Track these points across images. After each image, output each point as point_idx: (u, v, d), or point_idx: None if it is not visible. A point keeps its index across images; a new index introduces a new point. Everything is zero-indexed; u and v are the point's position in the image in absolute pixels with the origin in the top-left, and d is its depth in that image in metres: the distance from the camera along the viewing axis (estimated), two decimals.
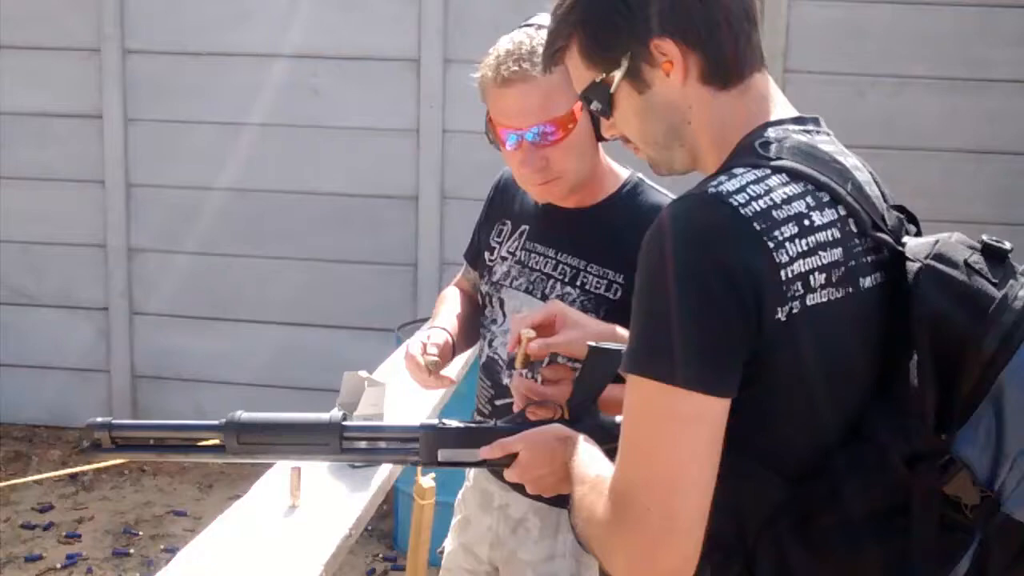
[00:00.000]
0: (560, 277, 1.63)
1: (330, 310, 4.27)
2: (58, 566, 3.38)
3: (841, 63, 3.91)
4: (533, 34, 1.54)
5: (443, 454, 1.26)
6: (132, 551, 3.49)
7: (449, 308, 1.82)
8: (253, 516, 1.66)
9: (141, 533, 3.63)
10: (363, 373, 2.03)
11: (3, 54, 4.32)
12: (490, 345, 1.75)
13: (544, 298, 1.63)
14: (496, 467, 1.27)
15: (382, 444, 1.28)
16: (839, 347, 1.01)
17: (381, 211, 4.19)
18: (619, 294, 1.57)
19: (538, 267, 1.67)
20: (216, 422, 1.24)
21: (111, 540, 3.58)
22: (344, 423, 1.25)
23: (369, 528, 3.66)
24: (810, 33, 3.90)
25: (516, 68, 1.51)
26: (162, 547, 3.45)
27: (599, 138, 1.59)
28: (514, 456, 1.24)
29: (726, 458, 0.97)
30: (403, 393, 2.36)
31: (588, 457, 1.14)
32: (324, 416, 1.25)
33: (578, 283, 1.61)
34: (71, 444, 4.37)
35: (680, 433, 0.95)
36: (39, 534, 3.60)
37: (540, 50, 1.47)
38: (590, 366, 1.26)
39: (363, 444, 1.27)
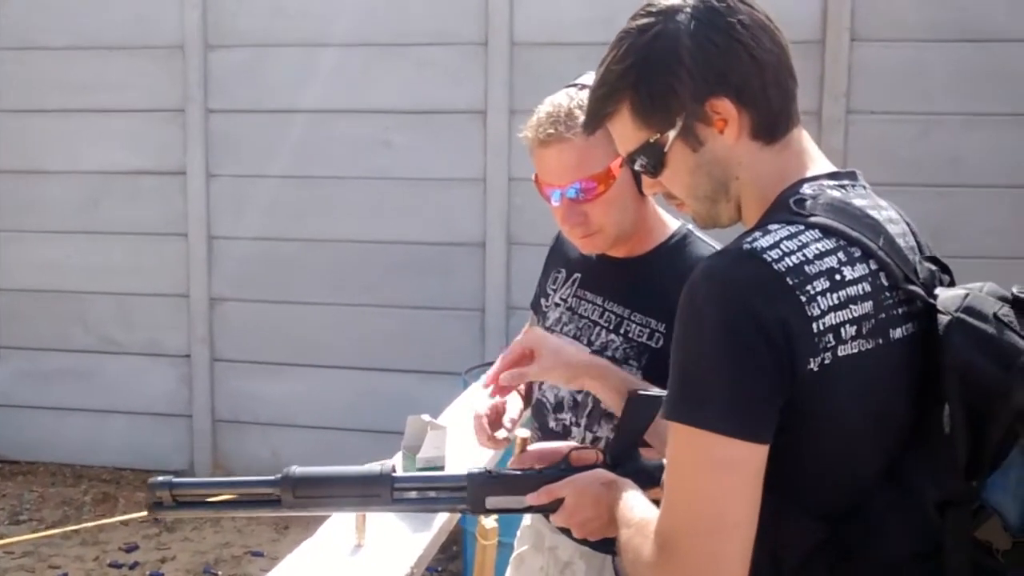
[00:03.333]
0: (605, 324, 1.68)
1: (401, 355, 4.37)
2: None
3: (905, 102, 3.90)
4: (574, 95, 1.60)
5: (491, 501, 1.32)
6: None
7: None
8: (321, 555, 1.74)
9: (220, 573, 3.75)
10: (426, 417, 2.10)
11: (101, 117, 4.58)
12: (539, 388, 1.80)
13: (590, 344, 1.68)
14: (543, 512, 1.32)
15: (432, 494, 1.34)
16: (870, 396, 1.04)
17: (450, 258, 4.29)
18: (660, 343, 1.60)
19: (586, 314, 1.72)
20: (272, 477, 1.29)
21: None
22: (394, 475, 1.31)
23: (439, 569, 3.72)
24: (873, 73, 3.91)
25: (552, 131, 1.58)
26: None
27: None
28: (560, 501, 1.29)
29: (765, 499, 1.00)
30: (467, 435, 2.44)
31: (633, 500, 1.18)
32: (375, 468, 1.32)
33: (622, 331, 1.65)
34: None
35: (721, 478, 0.99)
36: (125, 573, 3.75)
37: (577, 112, 1.55)
38: (631, 411, 1.32)
39: (414, 494, 1.33)
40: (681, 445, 1.02)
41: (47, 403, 4.78)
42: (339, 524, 1.84)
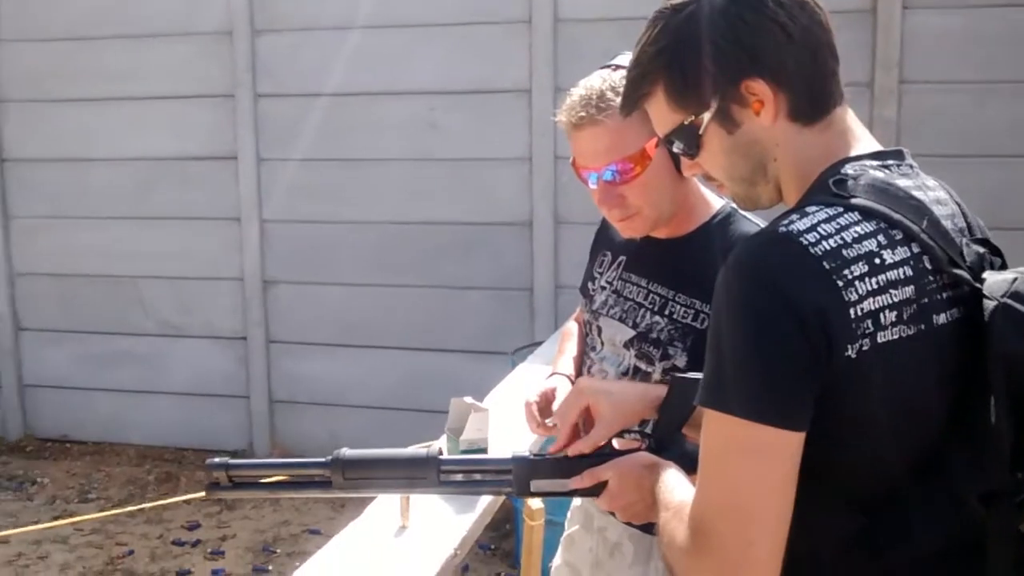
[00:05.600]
0: (650, 307, 1.67)
1: (449, 335, 4.40)
2: None
3: (959, 70, 3.80)
4: (607, 76, 1.59)
5: (535, 485, 1.34)
6: (271, 568, 3.70)
7: (569, 348, 1.90)
8: (366, 537, 1.78)
9: (279, 551, 3.84)
10: (468, 399, 2.12)
11: (149, 104, 4.68)
12: (588, 371, 1.81)
13: (635, 327, 1.68)
14: (587, 495, 1.34)
15: (477, 476, 1.36)
16: (910, 383, 1.01)
17: (498, 238, 4.31)
18: (705, 323, 1.59)
19: (632, 296, 1.72)
20: (323, 459, 1.33)
21: (251, 557, 3.81)
22: (441, 457, 1.34)
23: (492, 547, 3.77)
24: (926, 42, 3.81)
25: (584, 113, 1.58)
26: (297, 564, 3.61)
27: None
28: (604, 484, 1.30)
29: (802, 489, 0.99)
30: (512, 417, 2.47)
31: (673, 482, 1.18)
32: (422, 451, 1.35)
33: (666, 312, 1.65)
34: None
35: (754, 464, 0.98)
36: (188, 550, 3.87)
37: (610, 94, 1.55)
38: (674, 396, 1.32)
39: (459, 477, 1.36)
40: (714, 431, 1.02)
41: (109, 385, 4.92)
42: (384, 506, 1.87)
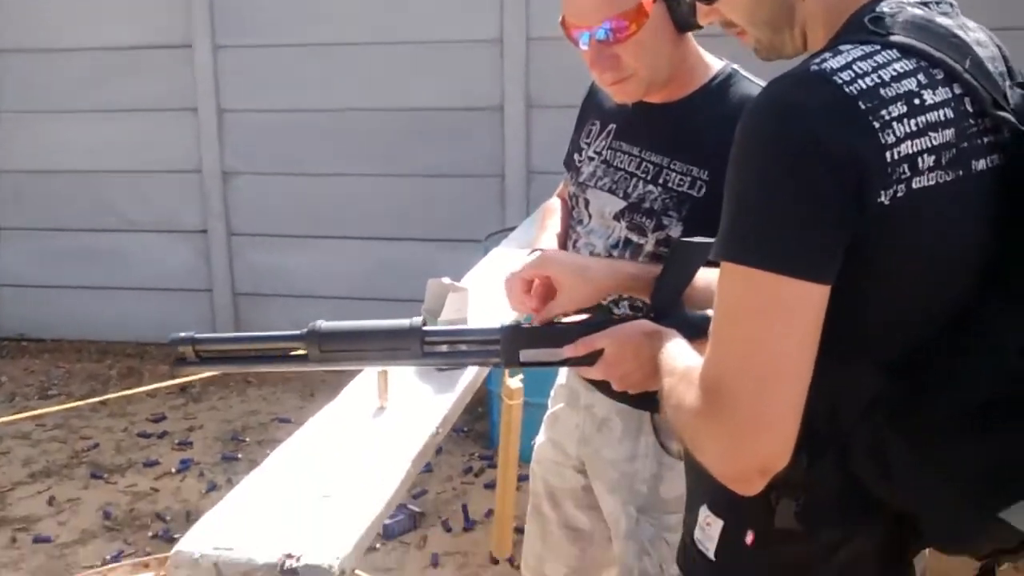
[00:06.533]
0: (643, 175, 1.59)
1: (420, 223, 4.31)
2: (173, 470, 3.57)
3: None
4: None
5: (525, 354, 1.26)
6: (240, 456, 3.65)
7: (552, 225, 1.80)
8: (344, 418, 1.71)
9: (248, 439, 3.80)
10: (446, 280, 2.04)
11: None
12: (574, 246, 1.73)
13: (627, 197, 1.59)
14: (581, 365, 1.27)
15: (463, 347, 1.28)
16: (946, 232, 0.95)
17: (467, 123, 4.18)
18: (703, 191, 1.51)
19: (623, 166, 1.63)
20: (298, 332, 1.24)
21: (220, 446, 3.76)
22: (425, 327, 1.25)
23: (466, 429, 3.76)
24: None
25: None
26: (268, 451, 3.57)
27: (687, 28, 1.53)
28: (599, 353, 1.23)
29: (824, 346, 0.93)
30: (489, 299, 2.39)
31: (677, 349, 1.12)
32: (404, 321, 1.25)
33: (660, 180, 1.56)
34: None
35: (775, 320, 0.91)
36: (154, 442, 3.81)
37: None
38: (676, 259, 1.24)
39: (444, 347, 1.28)
40: (731, 286, 0.94)
41: (67, 282, 4.78)
42: (361, 387, 1.80)
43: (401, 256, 4.33)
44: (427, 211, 4.29)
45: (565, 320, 1.32)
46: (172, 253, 4.65)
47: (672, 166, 1.56)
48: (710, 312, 1.01)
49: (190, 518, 3.20)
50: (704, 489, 1.11)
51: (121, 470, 3.59)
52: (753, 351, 0.91)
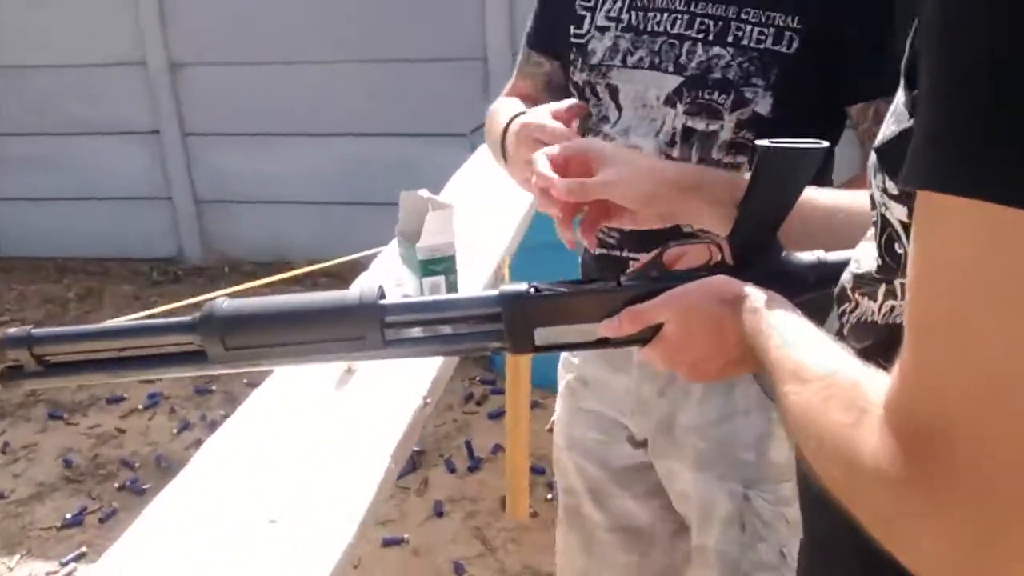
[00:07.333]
0: (699, 36, 1.16)
1: (397, 116, 3.87)
2: (140, 407, 3.23)
3: None
4: None
5: (542, 335, 0.87)
6: (215, 387, 3.32)
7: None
8: (298, 390, 1.35)
9: (215, 387, 3.43)
10: (424, 192, 1.65)
11: None
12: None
13: (682, 70, 1.17)
14: (626, 346, 0.88)
15: (446, 329, 0.89)
16: None
17: (442, 0, 3.69)
18: (795, 45, 1.12)
19: (663, 28, 1.19)
20: (188, 319, 0.86)
21: (191, 377, 3.40)
22: (385, 303, 0.86)
23: (462, 379, 3.38)
24: None
25: None
26: (245, 381, 3.26)
27: None
28: (656, 330, 0.85)
29: None
30: (484, 214, 1.99)
31: (791, 330, 0.72)
32: (353, 294, 0.86)
33: (729, 39, 1.15)
34: (143, 277, 4.20)
35: None
36: None
37: None
38: (768, 173, 0.83)
39: (417, 332, 0.89)
40: (962, 240, 0.49)
41: (12, 194, 4.36)
42: None
43: (378, 154, 3.91)
44: (402, 103, 3.84)
45: (627, 282, 0.88)
46: (124, 158, 4.21)
47: (744, 15, 1.14)
48: (829, 255, 0.73)
49: (161, 464, 2.88)
50: None
51: (83, 408, 3.26)
52: (1012, 365, 0.48)
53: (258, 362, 0.87)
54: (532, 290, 0.86)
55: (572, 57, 1.28)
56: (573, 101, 1.18)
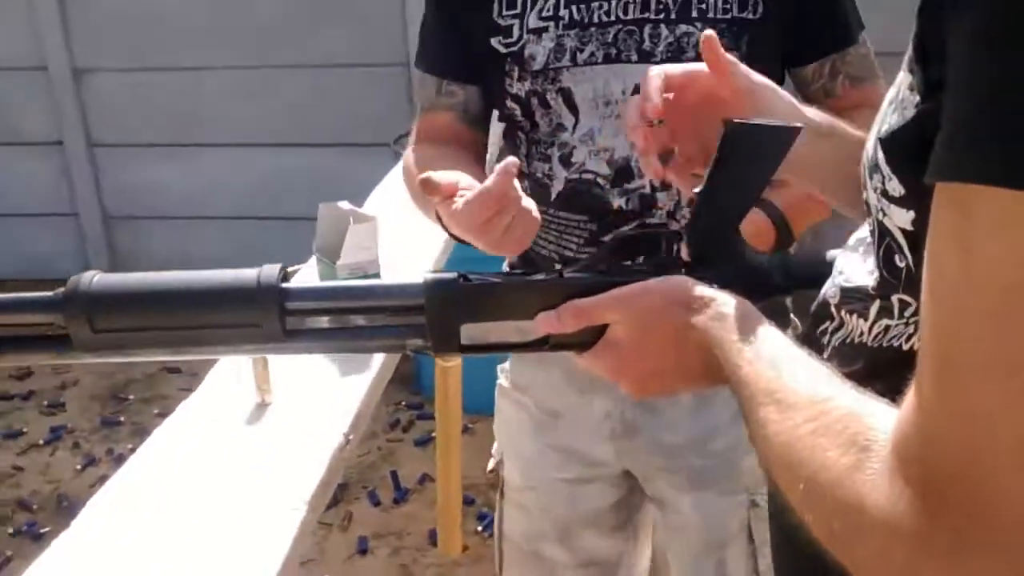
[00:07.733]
0: (659, 16, 1.10)
1: (315, 126, 3.71)
2: (41, 441, 3.00)
3: None
4: None
5: (470, 332, 0.74)
6: (123, 419, 3.10)
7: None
8: (207, 425, 1.21)
9: (132, 397, 3.23)
10: (345, 204, 1.53)
11: None
12: (566, 169, 1.18)
13: (645, 57, 1.10)
14: (564, 350, 0.76)
15: (359, 320, 0.75)
16: None
17: (361, 3, 3.54)
18: (760, 10, 1.09)
19: (612, 16, 1.11)
20: (50, 295, 0.72)
21: (99, 407, 3.19)
22: (285, 286, 0.73)
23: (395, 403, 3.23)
24: None
25: None
26: (156, 411, 3.06)
27: None
28: (600, 332, 0.73)
29: None
30: (405, 228, 1.85)
31: (767, 343, 0.62)
32: (250, 273, 0.72)
33: (694, 13, 1.09)
34: None
35: None
36: (18, 404, 3.21)
37: None
38: (730, 160, 0.71)
39: (324, 321, 0.75)
40: (997, 241, 0.42)
41: None
42: (231, 371, 1.28)
43: (297, 166, 3.74)
44: (320, 111, 3.68)
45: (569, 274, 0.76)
46: (25, 171, 3.97)
47: None
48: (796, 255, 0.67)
49: (63, 504, 2.66)
50: None
51: None
52: None
53: (132, 351, 0.73)
54: (462, 279, 0.73)
55: (507, 69, 1.17)
56: (505, 162, 0.95)
